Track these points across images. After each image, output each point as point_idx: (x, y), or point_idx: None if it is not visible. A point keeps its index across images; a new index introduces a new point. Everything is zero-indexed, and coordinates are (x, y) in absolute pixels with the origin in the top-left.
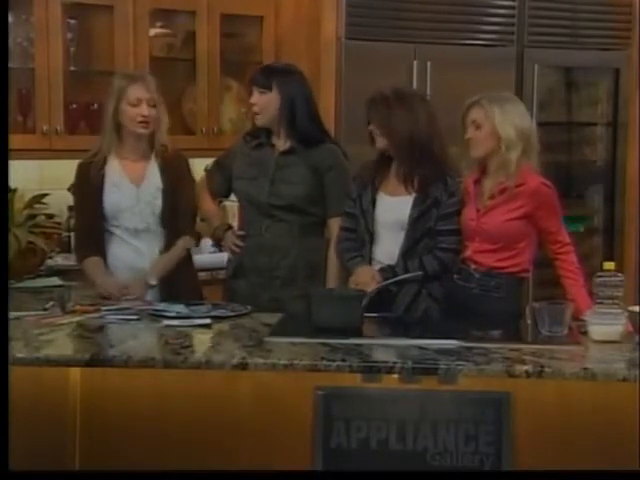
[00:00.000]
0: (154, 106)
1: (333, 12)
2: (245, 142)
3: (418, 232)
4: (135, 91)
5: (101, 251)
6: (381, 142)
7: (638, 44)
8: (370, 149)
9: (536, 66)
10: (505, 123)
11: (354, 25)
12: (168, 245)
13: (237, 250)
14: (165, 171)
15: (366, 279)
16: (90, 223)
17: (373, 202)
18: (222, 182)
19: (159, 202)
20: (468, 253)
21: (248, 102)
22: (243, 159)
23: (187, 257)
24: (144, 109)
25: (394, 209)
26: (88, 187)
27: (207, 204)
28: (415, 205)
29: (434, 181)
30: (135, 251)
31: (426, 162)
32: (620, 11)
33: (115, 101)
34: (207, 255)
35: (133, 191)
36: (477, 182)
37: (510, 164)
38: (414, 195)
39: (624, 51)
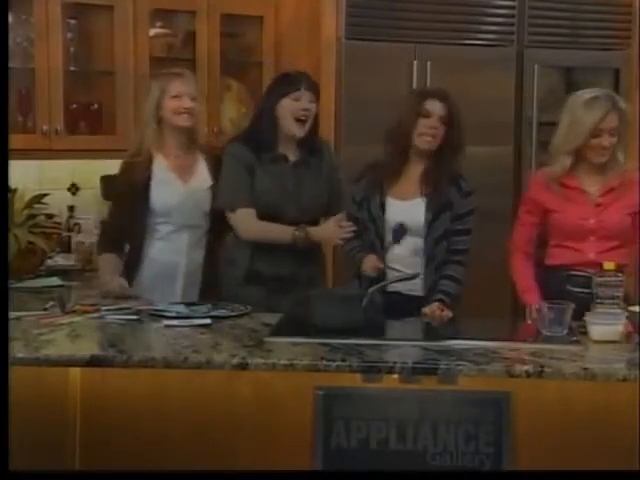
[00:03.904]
0: (194, 99)
1: (333, 12)
2: (252, 151)
3: (436, 234)
4: (177, 86)
5: (121, 249)
6: (433, 142)
7: (638, 44)
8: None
9: (536, 66)
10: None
11: (354, 25)
12: (211, 242)
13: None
14: (212, 167)
15: (373, 263)
16: (122, 221)
17: (382, 207)
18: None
19: (208, 199)
20: (590, 256)
21: (300, 107)
22: (262, 173)
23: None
24: (186, 101)
25: (406, 213)
26: (131, 185)
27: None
28: (429, 208)
29: (449, 182)
30: (175, 247)
31: (450, 163)
32: (620, 11)
33: (157, 97)
34: None
35: (182, 188)
36: (576, 181)
37: (622, 159)
38: (426, 198)
39: (624, 51)
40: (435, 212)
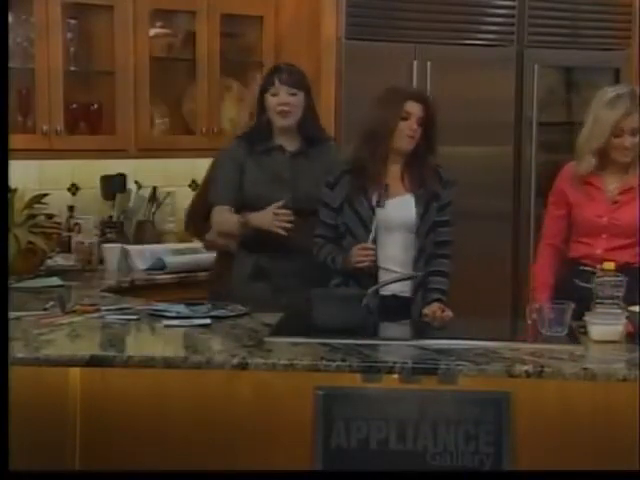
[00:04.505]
0: (294, 95)
1: (333, 12)
2: (245, 146)
3: (426, 227)
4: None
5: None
6: (412, 142)
7: (638, 44)
8: None
9: (536, 66)
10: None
11: (354, 25)
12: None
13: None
14: None
15: (362, 252)
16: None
17: (372, 208)
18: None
19: None
20: (597, 252)
21: (276, 102)
22: (254, 165)
23: None
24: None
25: (397, 211)
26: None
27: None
28: (419, 202)
29: (431, 174)
30: None
31: (427, 158)
32: (620, 11)
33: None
34: (203, 255)
35: None
36: (598, 178)
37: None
38: (414, 193)
39: (624, 51)
40: (425, 205)
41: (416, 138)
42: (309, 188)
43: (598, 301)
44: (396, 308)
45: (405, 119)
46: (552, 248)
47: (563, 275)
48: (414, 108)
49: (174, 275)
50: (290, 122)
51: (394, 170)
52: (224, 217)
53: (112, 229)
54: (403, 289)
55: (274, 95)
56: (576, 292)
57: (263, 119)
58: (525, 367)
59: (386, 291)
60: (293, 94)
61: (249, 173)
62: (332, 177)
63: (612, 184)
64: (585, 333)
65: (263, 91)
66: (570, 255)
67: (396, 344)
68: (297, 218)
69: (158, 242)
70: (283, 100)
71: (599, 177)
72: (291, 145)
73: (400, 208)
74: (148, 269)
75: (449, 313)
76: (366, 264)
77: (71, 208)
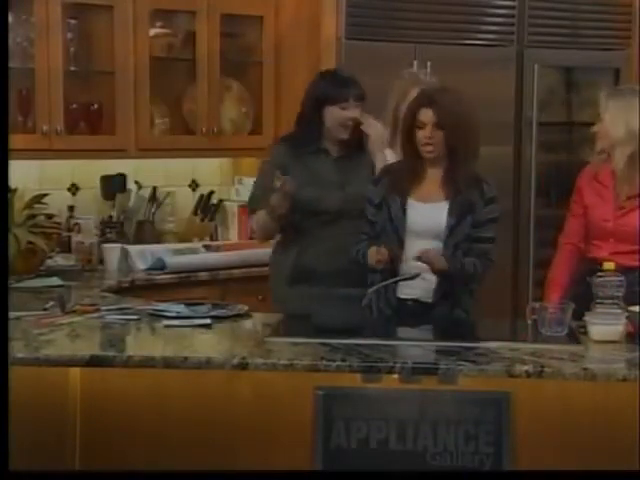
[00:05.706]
0: (358, 107)
1: (333, 12)
2: (287, 151)
3: (457, 239)
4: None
5: None
6: (432, 149)
7: (638, 44)
8: None
9: (536, 66)
10: (616, 120)
11: (354, 25)
12: None
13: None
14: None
15: (376, 257)
16: None
17: (403, 208)
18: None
19: None
20: (603, 254)
21: (347, 117)
22: (299, 167)
23: None
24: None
25: (428, 216)
26: None
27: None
28: (452, 211)
29: (472, 185)
30: None
31: (466, 165)
32: (620, 11)
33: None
34: (203, 255)
35: None
36: (611, 180)
37: (618, 163)
38: (449, 200)
39: (624, 51)
40: (458, 216)
41: (438, 144)
42: (353, 190)
43: (598, 301)
44: (416, 313)
45: (420, 128)
46: (569, 247)
47: (581, 275)
48: (426, 116)
49: (174, 275)
50: (349, 133)
51: (435, 174)
52: (264, 219)
53: (112, 229)
54: (426, 295)
55: (344, 109)
56: (588, 292)
57: (316, 127)
58: (525, 367)
59: (407, 295)
60: (358, 107)
61: (293, 176)
62: (378, 174)
63: (624, 186)
64: (585, 333)
65: (328, 102)
66: (587, 255)
67: (396, 344)
68: (342, 219)
69: (158, 242)
70: (352, 115)
71: (612, 178)
72: (336, 151)
73: (430, 214)
74: (148, 269)
75: (441, 262)
76: (381, 266)
77: (71, 208)
